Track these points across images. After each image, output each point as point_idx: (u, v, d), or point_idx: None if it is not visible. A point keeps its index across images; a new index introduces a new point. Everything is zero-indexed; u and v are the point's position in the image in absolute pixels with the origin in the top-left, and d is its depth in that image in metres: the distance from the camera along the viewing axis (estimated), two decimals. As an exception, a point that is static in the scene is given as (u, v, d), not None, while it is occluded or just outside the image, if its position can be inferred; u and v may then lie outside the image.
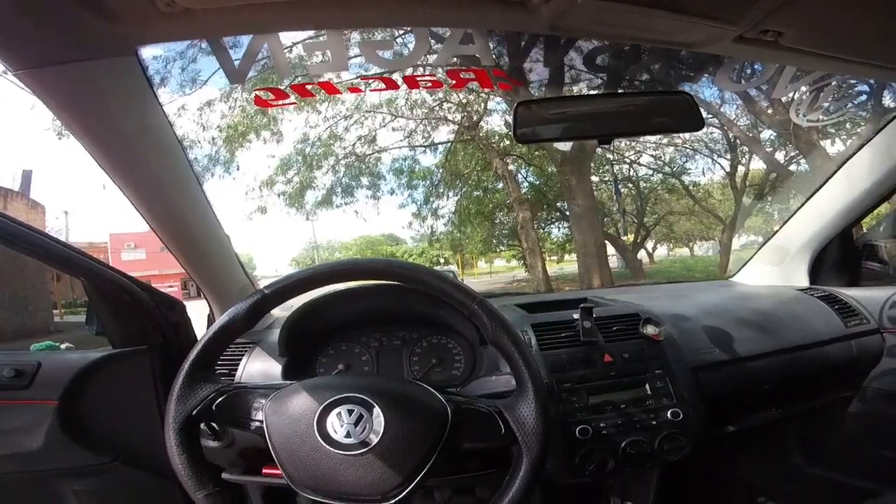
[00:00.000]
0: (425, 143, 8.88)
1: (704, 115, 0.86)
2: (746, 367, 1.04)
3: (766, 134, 7.48)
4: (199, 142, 7.53)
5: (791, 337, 1.12)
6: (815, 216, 1.37)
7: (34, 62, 0.58)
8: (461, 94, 7.83)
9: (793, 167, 7.41)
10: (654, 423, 0.89)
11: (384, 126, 8.55)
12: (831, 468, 1.28)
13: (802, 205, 1.39)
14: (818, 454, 1.31)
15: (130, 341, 1.03)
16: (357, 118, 8.35)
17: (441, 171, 9.29)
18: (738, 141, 8.01)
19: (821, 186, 1.33)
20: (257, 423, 0.63)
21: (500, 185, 9.15)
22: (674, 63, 5.05)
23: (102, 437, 0.99)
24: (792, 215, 1.44)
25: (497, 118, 8.49)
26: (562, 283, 9.44)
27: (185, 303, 1.11)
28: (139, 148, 0.80)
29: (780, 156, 7.64)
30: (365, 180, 9.11)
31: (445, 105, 8.30)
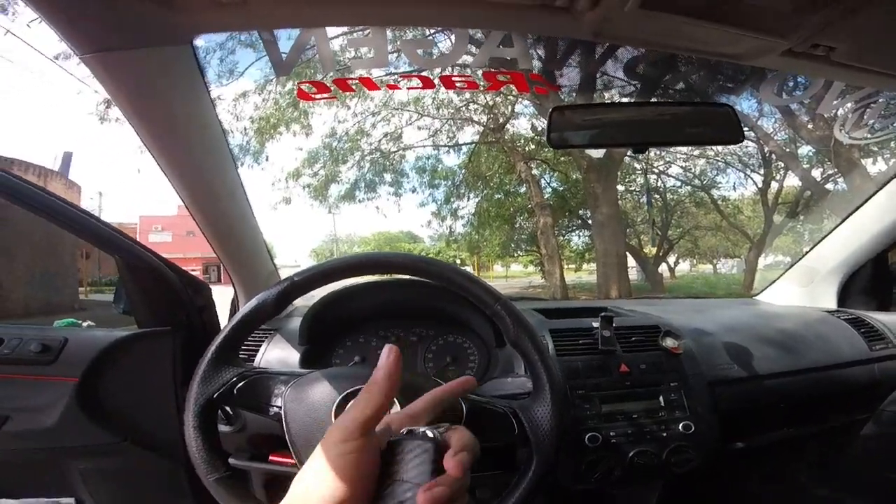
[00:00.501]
0: (449, 143, 8.91)
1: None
2: (764, 384, 1.03)
3: (804, 150, 7.27)
4: (233, 131, 7.72)
5: (813, 357, 1.10)
6: (850, 238, 1.34)
7: (98, 47, 0.61)
8: (488, 96, 7.82)
9: (829, 186, 7.18)
10: (665, 434, 0.88)
11: (410, 124, 8.62)
12: (839, 490, 1.25)
13: (838, 225, 1.36)
14: (827, 475, 1.28)
15: (155, 321, 1.03)
16: (384, 115, 8.44)
17: (463, 171, 9.29)
18: (773, 156, 7.80)
19: (859, 207, 1.29)
20: (276, 409, 0.63)
21: (523, 190, 9.11)
22: (714, 74, 4.94)
23: (115, 416, 0.99)
24: (825, 236, 1.40)
25: (524, 121, 8.48)
26: (578, 292, 9.34)
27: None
28: (187, 134, 0.83)
29: (816, 173, 7.40)
30: (388, 177, 9.22)
31: (472, 106, 8.31)
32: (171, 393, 1.00)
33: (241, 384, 0.64)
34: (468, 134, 8.87)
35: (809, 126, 6.36)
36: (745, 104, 6.44)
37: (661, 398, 0.91)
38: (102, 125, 7.49)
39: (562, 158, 8.34)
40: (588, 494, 0.99)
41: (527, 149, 8.48)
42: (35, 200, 0.87)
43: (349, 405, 0.44)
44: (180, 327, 1.03)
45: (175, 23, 0.61)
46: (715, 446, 0.91)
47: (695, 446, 0.88)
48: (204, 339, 1.08)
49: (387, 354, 0.45)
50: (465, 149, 9.02)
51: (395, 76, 5.62)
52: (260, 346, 1.01)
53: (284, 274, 1.16)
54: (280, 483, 1.00)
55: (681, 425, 0.88)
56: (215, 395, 0.63)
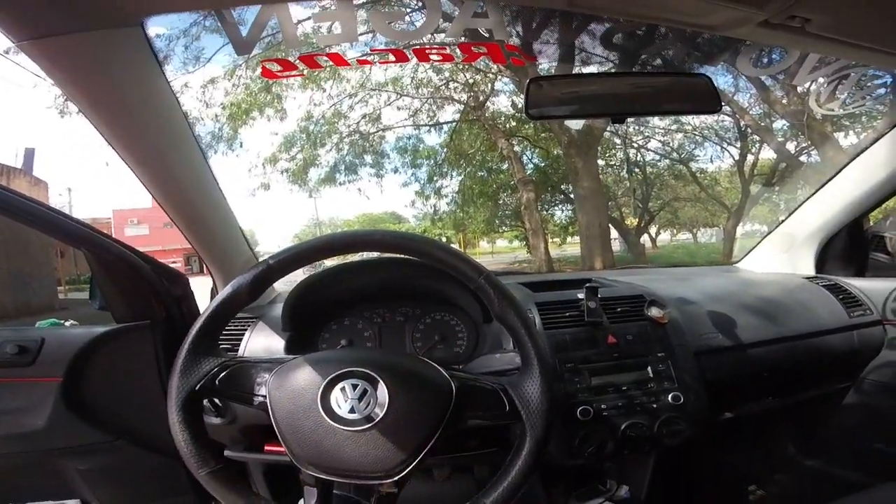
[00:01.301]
0: (430, 123, 8.80)
1: (717, 100, 0.84)
2: (748, 353, 1.04)
3: (779, 123, 7.38)
4: (203, 119, 7.48)
5: (794, 325, 1.11)
6: (826, 205, 1.36)
7: (38, 32, 0.56)
8: (467, 74, 7.70)
9: (803, 158, 7.34)
10: (655, 406, 0.89)
11: (389, 104, 8.45)
12: (824, 459, 1.29)
13: (814, 193, 1.38)
14: (812, 445, 1.32)
15: (133, 316, 1.01)
16: (362, 96, 8.25)
17: (445, 150, 9.22)
18: (748, 129, 7.90)
19: (834, 175, 1.31)
20: (260, 398, 0.62)
21: (505, 166, 9.08)
22: (691, 45, 4.93)
23: (106, 414, 0.99)
24: (802, 203, 1.42)
25: (504, 99, 8.38)
26: (564, 265, 9.46)
27: (188, 278, 1.11)
28: (144, 121, 0.79)
29: (791, 146, 7.54)
30: (368, 158, 9.08)
31: (451, 84, 8.18)
32: (157, 387, 0.98)
33: (222, 374, 0.63)
34: (449, 113, 8.75)
35: (784, 100, 6.45)
36: (721, 79, 6.48)
37: (649, 369, 0.92)
38: (63, 119, 7.15)
39: (542, 134, 8.31)
40: (581, 469, 1.01)
41: (508, 126, 8.43)
42: None
43: None
44: (159, 320, 1.01)
45: (122, 4, 0.56)
46: (704, 417, 0.92)
47: (685, 417, 0.89)
48: (185, 331, 1.06)
49: None
50: (446, 128, 8.93)
51: (367, 51, 5.47)
52: (243, 334, 0.98)
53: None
54: (280, 473, 1.00)
55: (670, 396, 0.89)
56: (197, 387, 0.62)
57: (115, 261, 0.96)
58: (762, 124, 7.46)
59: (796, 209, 1.44)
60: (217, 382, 0.63)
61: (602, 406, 0.87)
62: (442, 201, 9.99)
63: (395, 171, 9.52)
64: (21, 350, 0.94)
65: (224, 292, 0.65)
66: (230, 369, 0.64)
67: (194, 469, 0.60)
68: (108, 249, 0.94)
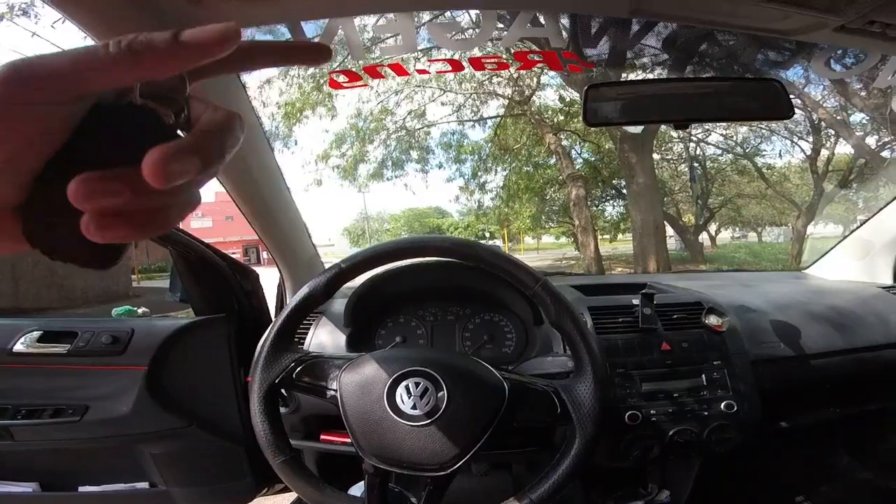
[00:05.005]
0: (474, 118, 8.78)
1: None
2: (811, 363, 0.99)
3: (857, 118, 6.74)
4: (261, 118, 7.84)
5: (864, 336, 1.05)
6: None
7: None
8: (512, 69, 7.61)
9: (886, 153, 6.67)
10: (706, 413, 0.87)
11: (433, 100, 8.53)
12: (879, 475, 1.21)
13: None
14: (867, 459, 1.24)
15: (209, 309, 1.09)
16: (407, 93, 8.38)
17: (490, 145, 9.18)
18: (822, 123, 7.28)
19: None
20: (332, 392, 0.66)
21: (553, 161, 8.92)
22: (758, 48, 4.58)
23: (182, 401, 1.04)
24: (884, 206, 1.31)
25: (550, 93, 8.21)
26: (613, 264, 9.18)
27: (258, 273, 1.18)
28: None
29: (871, 141, 6.88)
30: (414, 154, 9.26)
31: (495, 79, 8.11)
32: (228, 377, 1.05)
33: (298, 368, 0.68)
34: (493, 108, 8.72)
35: (862, 93, 5.88)
36: (789, 72, 5.98)
37: (703, 377, 0.90)
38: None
39: (592, 129, 8.07)
40: (623, 471, 1.00)
41: (555, 120, 8.25)
42: None
43: None
44: (233, 313, 1.09)
45: (203, 19, 0.62)
46: (757, 426, 0.89)
47: (736, 425, 0.86)
48: (254, 324, 1.14)
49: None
50: (490, 122, 8.89)
51: (424, 61, 5.53)
52: (308, 329, 1.04)
53: (322, 253, 1.18)
54: (331, 460, 1.06)
55: (723, 404, 0.87)
56: (277, 381, 0.67)
57: (196, 258, 1.05)
58: (838, 118, 6.85)
59: (876, 213, 1.34)
60: (294, 376, 0.68)
61: (651, 411, 0.86)
62: (486, 196, 10.01)
63: (440, 166, 9.65)
64: (114, 340, 1.02)
65: (302, 292, 0.71)
66: (305, 364, 0.69)
67: (271, 457, 0.65)
68: (191, 248, 1.03)
